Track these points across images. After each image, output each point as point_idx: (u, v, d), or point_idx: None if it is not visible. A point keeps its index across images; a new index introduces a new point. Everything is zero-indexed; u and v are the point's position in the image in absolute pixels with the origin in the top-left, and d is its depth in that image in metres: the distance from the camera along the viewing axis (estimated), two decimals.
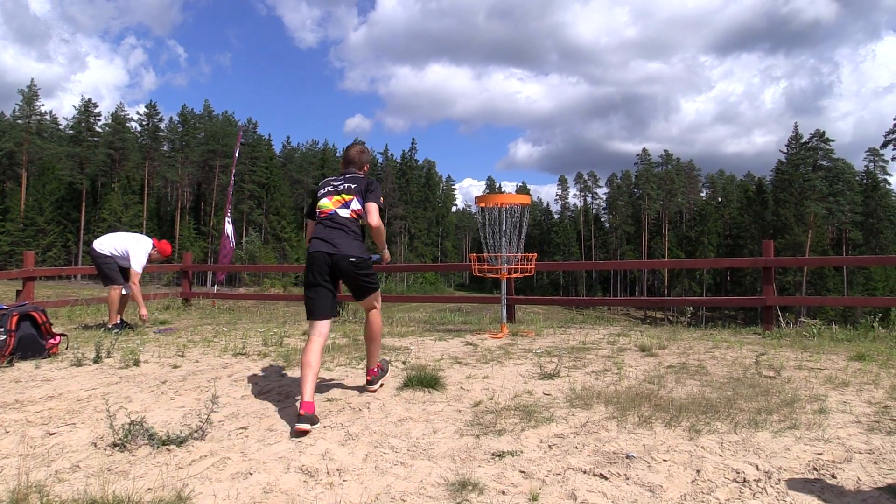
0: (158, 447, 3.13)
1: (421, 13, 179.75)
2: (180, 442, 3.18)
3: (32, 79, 76.67)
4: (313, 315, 3.97)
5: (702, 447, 3.05)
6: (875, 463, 2.83)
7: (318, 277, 4.00)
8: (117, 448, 3.14)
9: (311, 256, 4.01)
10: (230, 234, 13.33)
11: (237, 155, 13.99)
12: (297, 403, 3.66)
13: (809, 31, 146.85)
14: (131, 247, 7.37)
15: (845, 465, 2.82)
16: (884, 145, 72.15)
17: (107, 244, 7.39)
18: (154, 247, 7.57)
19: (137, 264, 7.33)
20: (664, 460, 2.91)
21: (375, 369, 4.31)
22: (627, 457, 2.95)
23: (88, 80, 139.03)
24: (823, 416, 3.51)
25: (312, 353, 3.77)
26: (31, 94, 72.34)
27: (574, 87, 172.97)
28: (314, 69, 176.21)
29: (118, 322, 7.19)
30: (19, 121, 71.97)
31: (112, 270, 7.28)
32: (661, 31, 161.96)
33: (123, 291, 7.41)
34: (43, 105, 75.68)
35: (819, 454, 2.93)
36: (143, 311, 7.58)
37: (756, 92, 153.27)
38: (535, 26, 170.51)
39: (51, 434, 3.42)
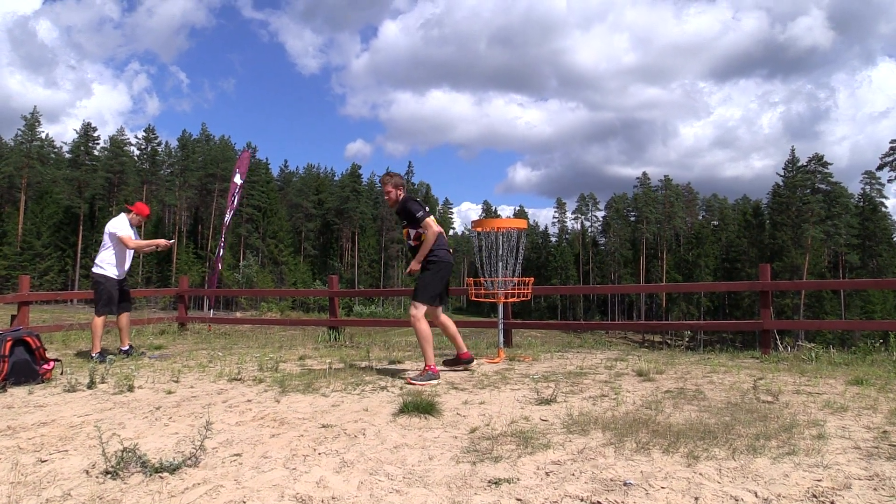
0: (151, 475, 3.09)
1: (423, 41, 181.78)
2: (173, 469, 3.15)
3: (35, 105, 77.09)
4: (439, 302, 5.68)
5: (700, 474, 3.02)
6: (875, 489, 2.81)
7: (448, 278, 5.74)
8: (109, 476, 3.10)
9: (449, 265, 5.68)
10: (219, 257, 13.38)
11: (239, 181, 13.79)
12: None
13: (806, 58, 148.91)
14: (108, 226, 7.29)
15: (844, 491, 2.79)
16: (879, 168, 72.79)
17: (97, 258, 7.27)
18: (130, 211, 7.42)
19: (121, 230, 7.18)
20: (662, 487, 2.88)
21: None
22: (625, 484, 2.92)
23: (93, 106, 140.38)
24: (822, 441, 3.49)
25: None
26: (33, 120, 72.78)
27: (573, 113, 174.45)
28: (316, 95, 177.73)
29: (101, 351, 7.06)
30: (21, 145, 72.31)
31: (106, 294, 7.09)
32: (660, 58, 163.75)
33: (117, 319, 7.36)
34: (45, 131, 75.80)
35: (818, 481, 2.91)
36: (161, 242, 7.69)
37: (754, 117, 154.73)
38: (536, 53, 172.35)
39: (43, 461, 3.38)
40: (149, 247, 7.62)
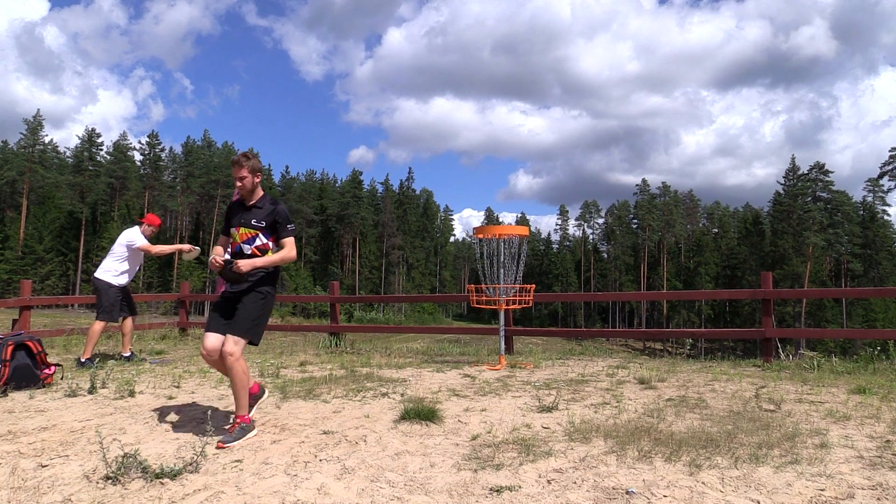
0: (152, 480, 3.09)
1: (426, 48, 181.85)
2: (174, 475, 3.14)
3: (39, 109, 77.17)
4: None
5: (702, 482, 3.01)
6: (878, 499, 2.80)
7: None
8: (110, 481, 3.10)
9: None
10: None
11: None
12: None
13: (809, 67, 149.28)
14: (122, 238, 7.28)
15: (848, 501, 2.78)
16: (880, 176, 72.83)
17: (103, 264, 7.24)
18: (142, 223, 7.43)
19: (139, 241, 7.22)
20: (664, 496, 2.87)
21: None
22: (627, 492, 2.91)
23: (98, 112, 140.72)
24: (825, 450, 3.47)
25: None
26: (35, 124, 72.98)
27: (576, 120, 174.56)
28: (320, 101, 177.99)
29: (90, 357, 6.95)
30: (23, 150, 72.51)
31: (109, 301, 7.05)
32: (663, 66, 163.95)
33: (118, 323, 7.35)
34: (47, 135, 75.96)
35: (821, 490, 2.90)
36: (185, 247, 7.54)
37: (756, 125, 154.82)
38: (539, 61, 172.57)
39: (43, 466, 3.38)
40: (172, 251, 7.60)
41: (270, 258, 4.12)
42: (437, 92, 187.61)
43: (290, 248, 4.19)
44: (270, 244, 4.17)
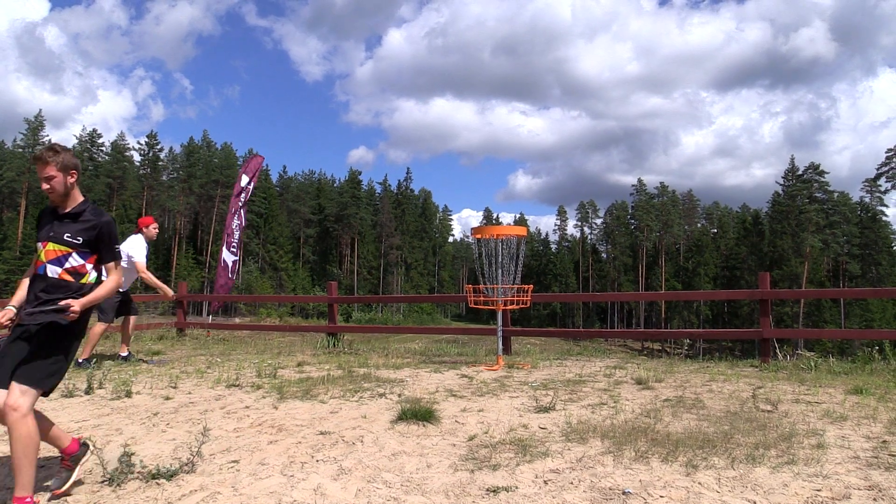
0: (148, 481, 3.09)
1: (427, 49, 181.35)
2: (170, 476, 3.14)
3: (40, 109, 77.04)
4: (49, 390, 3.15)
5: (699, 483, 3.01)
6: (874, 500, 2.80)
7: None
8: (106, 482, 3.10)
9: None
10: (228, 265, 13.29)
11: (251, 186, 13.88)
12: None
13: (808, 69, 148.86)
14: (124, 246, 7.18)
15: (844, 502, 2.78)
16: (877, 178, 72.95)
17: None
18: (142, 229, 7.44)
19: (139, 256, 7.23)
20: (661, 496, 2.87)
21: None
22: (624, 493, 2.92)
23: (98, 112, 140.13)
24: (821, 451, 3.48)
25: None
26: (37, 124, 72.96)
27: (575, 121, 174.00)
28: (320, 101, 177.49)
29: (88, 358, 6.94)
30: (21, 150, 72.45)
31: (109, 303, 7.01)
32: (662, 68, 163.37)
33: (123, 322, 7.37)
34: (48, 136, 75.78)
35: (818, 491, 2.90)
36: (168, 292, 7.99)
37: (755, 126, 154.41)
38: (539, 62, 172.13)
39: (40, 467, 3.37)
40: (154, 284, 7.59)
41: (104, 291, 3.15)
42: (437, 93, 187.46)
43: (117, 275, 3.22)
44: (88, 266, 3.15)
